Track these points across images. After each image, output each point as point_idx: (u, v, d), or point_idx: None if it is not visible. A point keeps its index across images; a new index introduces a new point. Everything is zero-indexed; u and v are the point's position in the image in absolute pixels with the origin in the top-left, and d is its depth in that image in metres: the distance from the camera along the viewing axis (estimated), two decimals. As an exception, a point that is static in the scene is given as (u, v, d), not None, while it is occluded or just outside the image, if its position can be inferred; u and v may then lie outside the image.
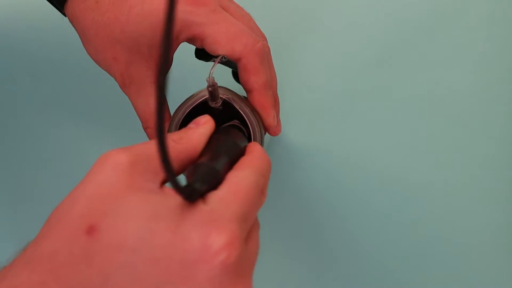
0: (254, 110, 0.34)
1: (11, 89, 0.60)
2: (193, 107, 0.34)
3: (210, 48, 0.34)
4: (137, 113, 0.36)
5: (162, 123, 0.19)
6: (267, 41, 0.39)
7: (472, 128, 0.58)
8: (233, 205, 0.24)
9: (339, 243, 0.59)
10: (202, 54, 0.37)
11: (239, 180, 0.25)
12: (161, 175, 0.24)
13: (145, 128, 0.36)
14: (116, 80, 0.36)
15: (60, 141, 0.58)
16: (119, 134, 0.57)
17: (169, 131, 0.34)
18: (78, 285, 0.21)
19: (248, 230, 0.25)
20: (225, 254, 0.22)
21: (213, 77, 0.32)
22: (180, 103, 0.34)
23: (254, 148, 0.30)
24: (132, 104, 0.36)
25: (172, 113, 0.35)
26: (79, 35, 0.36)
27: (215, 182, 0.25)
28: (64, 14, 0.36)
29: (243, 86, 0.37)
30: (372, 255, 0.58)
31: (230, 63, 0.36)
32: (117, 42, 0.33)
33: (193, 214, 0.22)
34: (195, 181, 0.23)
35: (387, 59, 0.58)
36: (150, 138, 0.36)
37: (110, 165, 0.24)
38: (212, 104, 0.33)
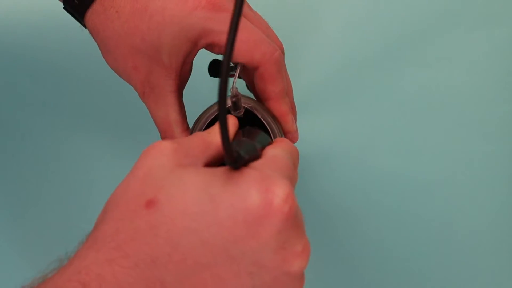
0: (275, 118, 0.34)
1: (11, 89, 0.60)
2: (215, 116, 0.33)
3: None
4: (156, 123, 0.36)
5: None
6: (282, 48, 0.39)
7: (472, 127, 0.58)
8: (278, 168, 0.25)
9: (341, 242, 0.59)
10: (217, 70, 0.36)
11: (274, 153, 0.27)
12: (202, 160, 0.26)
13: (163, 138, 0.36)
14: (136, 89, 0.35)
15: (60, 141, 0.58)
16: (119, 135, 0.57)
17: None
18: (147, 257, 0.22)
19: None
20: (287, 207, 0.22)
21: (237, 88, 0.32)
22: (201, 112, 0.34)
23: (282, 139, 0.33)
24: (151, 113, 0.36)
25: (192, 123, 0.35)
26: (99, 46, 0.36)
27: (255, 156, 0.26)
28: (84, 26, 0.36)
29: (259, 94, 0.36)
30: (372, 253, 0.58)
31: (242, 74, 0.36)
32: (137, 52, 0.33)
33: (246, 176, 0.23)
34: (241, 151, 0.24)
35: (388, 59, 0.58)
36: None
37: (156, 151, 0.25)
38: (235, 114, 0.33)
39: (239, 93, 0.33)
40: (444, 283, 0.57)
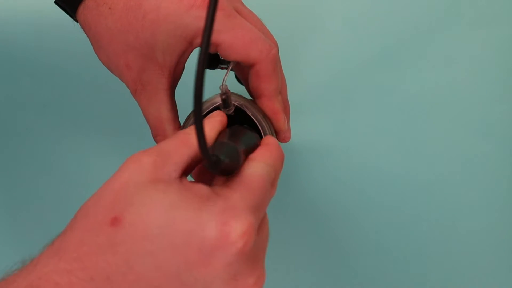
0: (266, 116, 0.34)
1: (11, 89, 0.60)
2: (205, 114, 0.33)
3: (224, 54, 0.33)
4: (148, 121, 0.36)
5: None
6: (277, 45, 0.39)
7: (472, 127, 0.58)
8: (248, 196, 0.25)
9: (342, 241, 0.59)
10: (208, 62, 0.36)
11: (252, 171, 0.27)
12: (181, 165, 0.26)
13: (154, 136, 0.36)
14: (128, 87, 0.35)
15: (60, 141, 0.58)
16: (119, 135, 0.57)
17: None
18: (103, 273, 0.23)
19: (261, 220, 0.26)
20: (242, 242, 0.23)
21: (226, 85, 0.32)
22: (192, 110, 0.34)
23: (269, 141, 0.31)
24: (143, 111, 0.36)
25: (183, 121, 0.35)
26: (91, 42, 0.36)
27: (236, 158, 0.25)
28: (76, 20, 0.36)
29: (252, 91, 0.36)
30: (373, 252, 0.58)
31: (235, 68, 0.36)
32: (131, 49, 0.33)
33: (211, 203, 0.24)
34: (220, 154, 0.24)
35: (388, 59, 0.58)
36: None
37: (135, 165, 0.25)
38: (225, 111, 0.33)
39: (229, 90, 0.33)
40: (444, 283, 0.57)
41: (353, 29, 0.59)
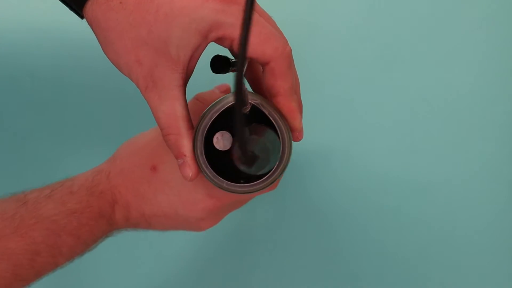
0: (282, 115, 0.34)
1: (11, 89, 0.60)
2: (220, 112, 0.33)
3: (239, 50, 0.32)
4: (159, 119, 0.35)
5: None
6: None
7: (472, 127, 0.58)
8: (219, 201, 0.39)
9: (343, 241, 0.59)
10: (219, 66, 0.36)
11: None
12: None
13: (166, 135, 0.35)
14: (137, 84, 0.34)
15: (60, 141, 0.58)
16: (120, 134, 0.57)
17: (196, 137, 0.33)
18: (140, 194, 0.39)
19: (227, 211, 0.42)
20: (205, 213, 0.39)
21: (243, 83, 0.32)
22: (207, 109, 0.33)
23: None
24: (153, 109, 0.34)
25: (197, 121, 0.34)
26: (98, 38, 0.35)
27: (266, 156, 0.31)
28: (82, 16, 0.35)
29: (267, 90, 0.35)
30: (373, 252, 0.58)
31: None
32: (142, 44, 0.32)
33: (202, 186, 0.38)
34: (254, 151, 0.31)
35: (388, 59, 0.58)
36: (171, 146, 0.35)
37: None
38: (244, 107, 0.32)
39: (246, 88, 0.32)
40: (443, 283, 0.57)
41: (354, 30, 0.59)
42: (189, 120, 0.35)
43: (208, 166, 0.33)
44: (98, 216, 0.38)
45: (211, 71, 0.36)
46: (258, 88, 0.40)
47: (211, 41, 0.33)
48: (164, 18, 0.32)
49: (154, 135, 0.40)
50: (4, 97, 0.60)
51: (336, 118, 0.59)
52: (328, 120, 0.59)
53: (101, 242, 0.39)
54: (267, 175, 0.34)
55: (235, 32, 0.32)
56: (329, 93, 0.59)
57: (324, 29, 0.60)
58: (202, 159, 0.33)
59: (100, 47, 0.35)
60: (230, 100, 0.33)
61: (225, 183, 0.33)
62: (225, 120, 0.33)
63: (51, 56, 0.60)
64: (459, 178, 0.58)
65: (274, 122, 0.33)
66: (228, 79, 0.38)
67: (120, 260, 0.61)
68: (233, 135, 0.34)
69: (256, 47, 0.33)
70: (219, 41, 0.33)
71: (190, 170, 0.34)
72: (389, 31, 0.59)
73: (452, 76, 0.58)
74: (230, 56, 0.37)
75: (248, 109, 0.33)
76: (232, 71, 0.37)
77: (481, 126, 0.58)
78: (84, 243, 0.38)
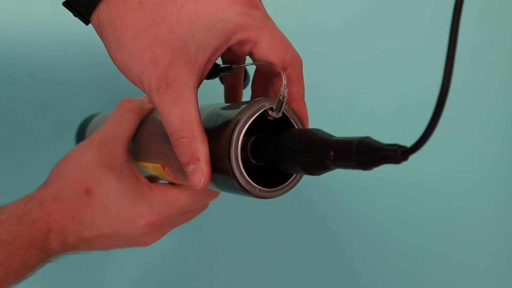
0: (301, 120, 0.34)
1: (11, 89, 0.60)
2: (256, 117, 0.32)
3: (262, 54, 0.32)
4: (171, 122, 0.33)
5: None
6: None
7: (472, 127, 0.58)
8: (166, 210, 0.39)
9: (343, 241, 0.59)
10: (208, 74, 0.34)
11: (179, 196, 0.39)
12: (126, 146, 0.39)
13: (178, 138, 0.33)
14: (151, 85, 0.33)
15: (59, 141, 0.58)
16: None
17: (231, 142, 0.31)
18: (78, 218, 0.38)
19: (172, 223, 0.41)
20: (148, 228, 0.39)
21: (287, 88, 0.32)
22: (236, 113, 0.32)
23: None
24: (164, 111, 0.33)
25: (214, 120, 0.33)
26: (109, 39, 0.33)
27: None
28: (87, 22, 0.34)
29: (276, 94, 0.34)
30: (372, 251, 0.58)
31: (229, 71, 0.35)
32: (160, 43, 0.32)
33: (142, 199, 0.38)
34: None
35: (388, 59, 0.58)
36: (183, 150, 0.33)
37: (97, 150, 0.39)
38: (273, 114, 0.32)
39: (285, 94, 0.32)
40: (443, 283, 0.57)
41: (353, 29, 0.59)
42: (202, 123, 0.33)
43: (244, 173, 0.31)
44: (29, 246, 0.37)
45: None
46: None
47: (232, 44, 0.33)
48: (187, 16, 0.31)
49: (82, 153, 0.39)
50: (4, 97, 0.60)
51: (336, 118, 0.59)
52: (328, 120, 0.59)
53: (40, 268, 0.38)
54: (292, 178, 0.34)
55: (260, 36, 0.32)
56: (329, 93, 0.59)
57: (324, 27, 0.60)
58: (238, 165, 0.31)
59: (107, 50, 0.34)
60: (264, 104, 0.32)
61: (258, 189, 0.32)
62: (253, 125, 0.32)
63: (51, 56, 0.60)
64: (460, 177, 0.58)
65: (296, 126, 0.33)
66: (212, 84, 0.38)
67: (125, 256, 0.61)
68: (266, 138, 0.33)
69: (278, 52, 0.33)
70: (240, 44, 0.33)
71: (202, 176, 0.31)
72: (389, 30, 0.59)
73: (453, 76, 0.58)
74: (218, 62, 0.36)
75: (281, 114, 0.32)
76: (221, 76, 0.36)
77: (482, 125, 0.58)
78: (15, 272, 0.36)
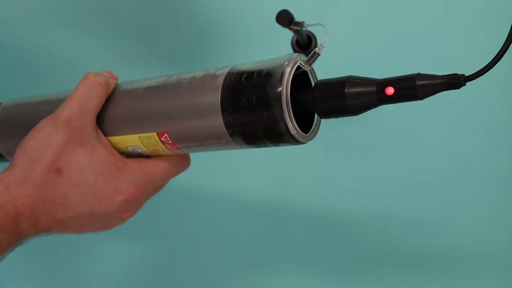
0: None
1: (11, 89, 0.60)
2: (301, 72, 0.34)
3: None
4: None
5: None
6: None
7: (472, 127, 0.58)
8: (140, 179, 0.39)
9: (343, 242, 0.59)
10: (283, 20, 0.39)
11: (157, 165, 0.39)
12: (94, 120, 0.38)
13: None
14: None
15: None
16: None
17: (285, 89, 0.32)
18: (50, 198, 0.37)
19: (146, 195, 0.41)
20: (124, 204, 0.39)
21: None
22: (280, 64, 0.33)
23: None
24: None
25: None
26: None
27: None
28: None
29: None
30: (373, 254, 0.58)
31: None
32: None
33: (118, 175, 0.38)
34: None
35: (387, 59, 0.58)
36: None
37: (65, 128, 0.37)
38: (305, 66, 0.34)
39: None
40: (444, 283, 0.57)
41: (353, 30, 0.59)
42: None
43: (294, 118, 0.32)
44: None
45: None
46: None
47: None
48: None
49: (47, 132, 0.38)
50: (4, 97, 0.60)
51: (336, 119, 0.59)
52: (328, 120, 0.59)
53: (10, 252, 0.37)
54: (314, 124, 0.36)
55: None
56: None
57: (323, 25, 0.60)
58: (288, 111, 0.32)
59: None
60: (298, 59, 0.34)
61: (301, 134, 0.33)
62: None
63: (51, 56, 0.60)
64: (460, 177, 0.58)
65: (312, 81, 0.36)
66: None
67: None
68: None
69: None
70: None
71: None
72: (389, 30, 0.59)
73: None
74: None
75: (308, 69, 0.35)
76: (291, 29, 0.40)
77: (482, 126, 0.58)
78: None
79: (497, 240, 0.57)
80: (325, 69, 0.36)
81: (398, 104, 0.34)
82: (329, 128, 0.59)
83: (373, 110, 0.35)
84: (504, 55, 0.33)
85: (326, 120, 0.37)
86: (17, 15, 0.61)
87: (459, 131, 0.58)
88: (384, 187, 0.58)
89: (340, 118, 0.37)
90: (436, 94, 0.32)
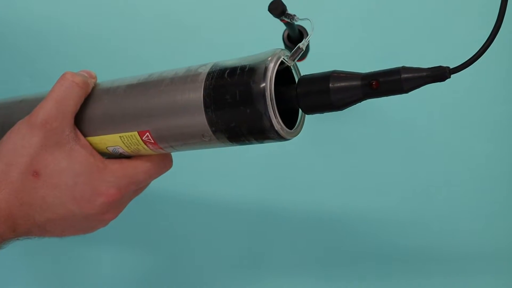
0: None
1: (11, 89, 0.60)
2: (284, 68, 0.34)
3: None
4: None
5: None
6: None
7: (472, 127, 0.58)
8: (123, 181, 0.38)
9: (343, 242, 0.59)
10: (276, 11, 0.38)
11: (139, 167, 0.38)
12: (72, 123, 0.37)
13: None
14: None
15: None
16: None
17: (268, 85, 0.32)
18: (28, 201, 0.36)
19: (127, 197, 0.40)
20: (106, 206, 0.38)
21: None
22: (263, 59, 0.33)
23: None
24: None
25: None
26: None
27: None
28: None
29: None
30: (371, 255, 0.58)
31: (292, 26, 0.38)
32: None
33: (98, 176, 0.37)
34: None
35: (387, 59, 0.58)
36: None
37: (40, 131, 0.36)
38: (288, 62, 0.34)
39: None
40: (444, 283, 0.57)
41: (353, 30, 0.59)
42: None
43: (278, 113, 0.32)
44: None
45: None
46: None
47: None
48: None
49: (23, 134, 0.37)
50: (4, 97, 0.60)
51: (336, 118, 0.59)
52: (328, 120, 0.59)
53: None
54: (298, 120, 0.36)
55: None
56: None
57: (324, 27, 0.60)
58: (272, 106, 0.32)
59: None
60: (281, 54, 0.33)
61: (285, 129, 0.33)
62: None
63: (51, 56, 0.60)
64: (460, 178, 0.58)
65: (295, 76, 0.35)
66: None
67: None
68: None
69: None
70: None
71: None
72: (388, 30, 0.59)
73: (452, 76, 0.58)
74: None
75: (292, 64, 0.34)
76: (282, 21, 0.39)
77: (482, 125, 0.58)
78: None
79: (497, 240, 0.57)
80: (325, 69, 0.36)
81: (396, 103, 0.34)
82: (325, 127, 0.59)
83: (372, 109, 0.35)
84: (504, 55, 0.33)
85: (322, 120, 0.37)
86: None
87: (459, 131, 0.58)
88: (383, 186, 0.58)
89: (338, 118, 0.37)
90: (436, 94, 0.32)
